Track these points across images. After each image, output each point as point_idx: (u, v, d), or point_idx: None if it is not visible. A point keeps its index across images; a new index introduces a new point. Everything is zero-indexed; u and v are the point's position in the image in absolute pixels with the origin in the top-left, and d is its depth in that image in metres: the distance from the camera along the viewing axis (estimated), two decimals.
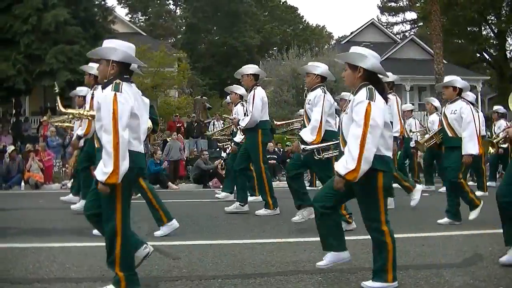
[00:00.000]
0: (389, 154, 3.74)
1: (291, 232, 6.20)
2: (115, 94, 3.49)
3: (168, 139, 16.49)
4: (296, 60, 22.09)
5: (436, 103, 11.40)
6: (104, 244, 3.61)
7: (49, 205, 9.72)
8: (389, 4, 44.27)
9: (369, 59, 3.71)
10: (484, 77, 30.63)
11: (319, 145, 6.07)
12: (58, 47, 19.60)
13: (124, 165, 3.45)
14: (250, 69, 7.82)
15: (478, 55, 39.23)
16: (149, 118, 4.38)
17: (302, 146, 6.38)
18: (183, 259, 4.70)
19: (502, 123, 11.52)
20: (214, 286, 3.90)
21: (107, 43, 3.78)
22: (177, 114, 20.90)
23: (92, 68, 5.91)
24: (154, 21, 47.10)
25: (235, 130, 8.98)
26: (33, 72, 19.70)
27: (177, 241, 5.54)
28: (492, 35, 37.54)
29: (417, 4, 36.65)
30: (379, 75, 3.82)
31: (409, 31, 43.55)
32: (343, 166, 3.55)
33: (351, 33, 36.53)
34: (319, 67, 6.54)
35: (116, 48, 3.69)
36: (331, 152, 5.94)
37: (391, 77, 8.18)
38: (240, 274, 4.21)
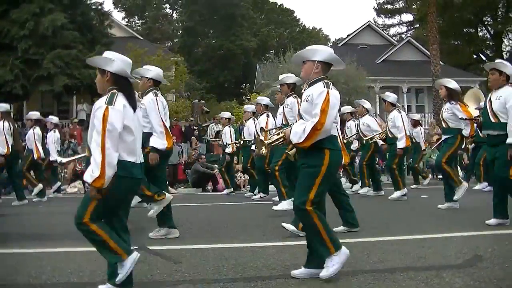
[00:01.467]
0: (131, 159, 3.65)
1: (291, 235, 6.21)
2: None
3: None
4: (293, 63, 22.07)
5: (367, 105, 11.26)
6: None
7: (48, 210, 9.74)
8: (386, 6, 44.27)
9: (116, 63, 3.72)
10: (481, 78, 30.64)
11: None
12: (55, 52, 19.62)
13: None
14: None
15: (475, 56, 39.40)
16: None
17: None
18: (184, 263, 4.71)
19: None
20: None
21: None
22: (176, 118, 20.89)
23: None
24: (151, 25, 47.19)
25: None
26: (30, 77, 19.70)
27: (178, 245, 5.56)
28: (489, 36, 37.74)
29: (414, 6, 36.78)
30: (129, 79, 3.82)
31: (405, 33, 43.61)
32: (89, 174, 3.48)
33: (348, 35, 36.50)
34: (151, 71, 6.29)
35: None
36: None
37: (292, 78, 7.79)
38: (241, 278, 4.22)
